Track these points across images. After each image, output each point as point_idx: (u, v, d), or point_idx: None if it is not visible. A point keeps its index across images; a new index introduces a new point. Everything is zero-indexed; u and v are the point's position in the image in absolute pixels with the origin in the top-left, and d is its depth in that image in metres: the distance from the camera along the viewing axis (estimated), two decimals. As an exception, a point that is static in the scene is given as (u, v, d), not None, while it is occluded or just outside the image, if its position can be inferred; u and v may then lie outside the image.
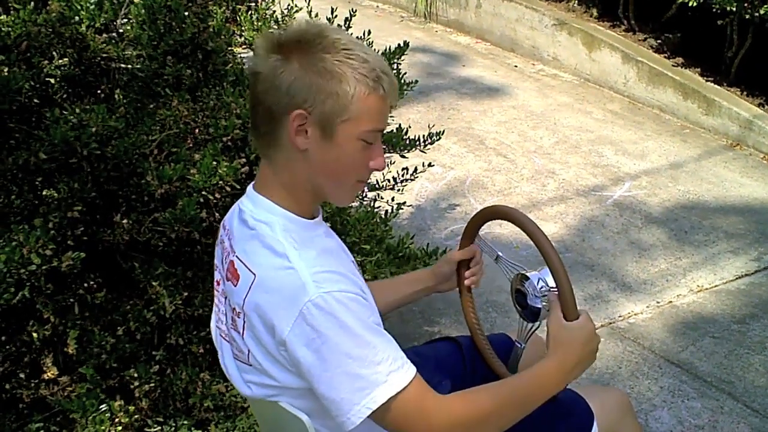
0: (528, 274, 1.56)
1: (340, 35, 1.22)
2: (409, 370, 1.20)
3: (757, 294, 3.32)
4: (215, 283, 1.42)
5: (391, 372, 1.17)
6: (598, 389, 1.81)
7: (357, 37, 2.54)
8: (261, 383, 1.29)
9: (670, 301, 3.28)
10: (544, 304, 1.53)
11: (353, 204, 2.54)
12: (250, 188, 1.34)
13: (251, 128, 1.30)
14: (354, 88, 1.20)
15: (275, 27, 2.43)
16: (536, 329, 1.59)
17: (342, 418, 1.17)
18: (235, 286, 1.26)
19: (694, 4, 4.77)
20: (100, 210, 1.94)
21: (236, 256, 1.28)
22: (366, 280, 1.36)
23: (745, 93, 5.08)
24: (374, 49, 2.48)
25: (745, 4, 4.45)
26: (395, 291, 1.71)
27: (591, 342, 1.38)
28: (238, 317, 1.26)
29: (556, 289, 1.45)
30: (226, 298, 1.34)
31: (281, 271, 1.19)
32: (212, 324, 1.47)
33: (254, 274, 1.22)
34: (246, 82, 2.04)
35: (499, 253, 1.66)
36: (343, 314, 1.16)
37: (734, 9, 4.49)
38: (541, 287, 1.53)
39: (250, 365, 1.29)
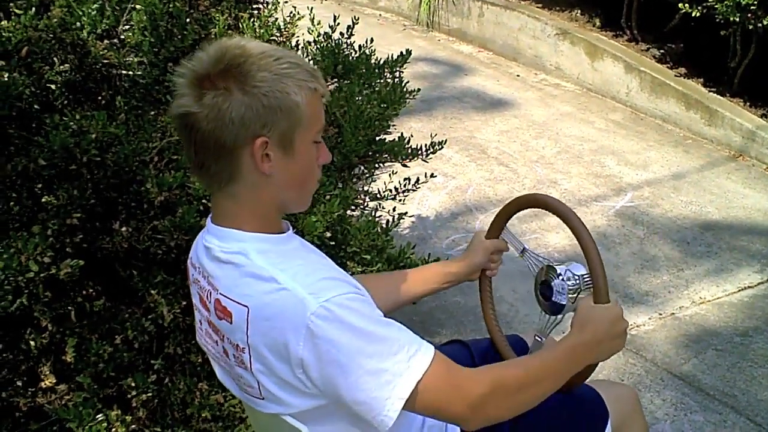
0: (557, 266, 1.57)
1: (261, 46, 1.21)
2: (428, 351, 1.19)
3: (760, 306, 3.30)
4: (197, 322, 1.39)
5: (411, 357, 1.17)
6: (609, 384, 1.84)
7: (359, 46, 2.55)
8: (275, 412, 1.28)
9: (673, 313, 3.26)
10: (570, 296, 1.53)
11: (354, 213, 2.52)
12: (209, 223, 1.30)
13: (195, 169, 1.25)
14: (300, 96, 1.19)
15: (277, 35, 2.41)
16: (559, 323, 1.59)
17: (379, 417, 1.16)
18: (231, 323, 1.24)
19: (697, 14, 4.77)
20: (99, 217, 1.92)
21: (221, 294, 1.25)
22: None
23: (748, 104, 5.08)
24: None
25: (749, 15, 4.44)
26: (424, 283, 1.70)
27: (618, 322, 1.39)
28: (243, 352, 1.23)
29: (587, 278, 1.49)
30: (221, 336, 1.30)
31: (275, 294, 1.17)
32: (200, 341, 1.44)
33: (246, 307, 1.20)
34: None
35: (525, 246, 1.67)
36: (348, 317, 1.15)
37: (737, 19, 4.48)
38: (570, 281, 1.54)
39: (263, 398, 1.27)
